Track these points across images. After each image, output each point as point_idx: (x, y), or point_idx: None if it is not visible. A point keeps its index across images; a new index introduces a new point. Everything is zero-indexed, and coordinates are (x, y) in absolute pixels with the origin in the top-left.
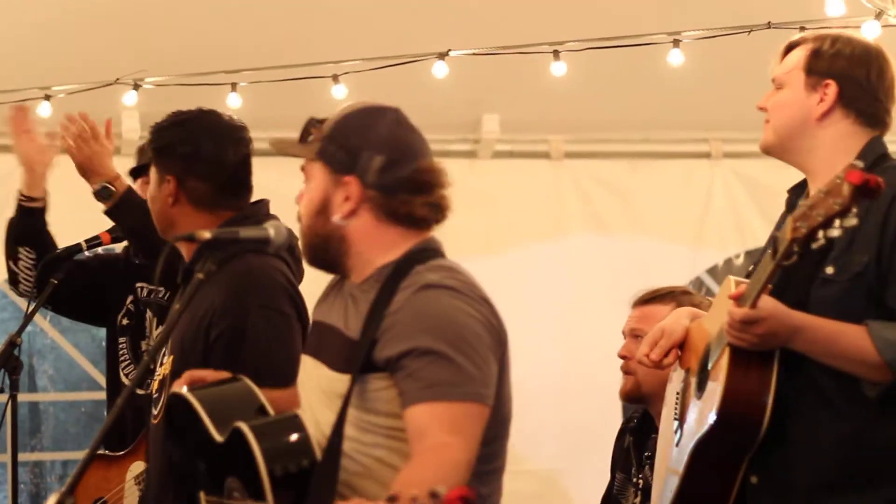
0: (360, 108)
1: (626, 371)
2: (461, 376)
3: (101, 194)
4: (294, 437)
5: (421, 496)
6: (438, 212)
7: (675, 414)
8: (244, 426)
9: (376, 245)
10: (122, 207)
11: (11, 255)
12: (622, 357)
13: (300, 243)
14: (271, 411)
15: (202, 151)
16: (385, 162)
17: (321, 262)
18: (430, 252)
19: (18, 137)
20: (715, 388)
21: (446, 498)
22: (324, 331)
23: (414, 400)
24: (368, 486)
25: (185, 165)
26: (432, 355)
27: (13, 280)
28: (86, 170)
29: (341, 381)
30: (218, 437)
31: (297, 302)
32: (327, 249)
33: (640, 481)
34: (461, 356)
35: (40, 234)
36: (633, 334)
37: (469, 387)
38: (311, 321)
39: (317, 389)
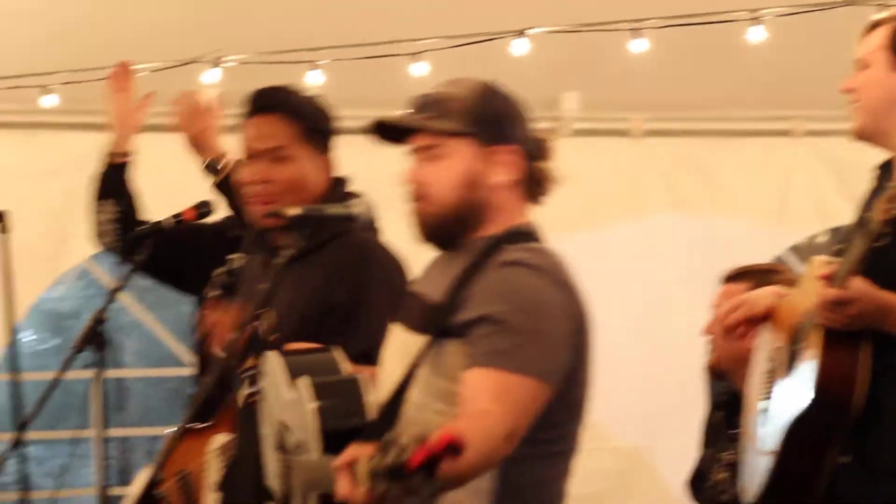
0: (481, 82)
1: (712, 346)
2: (523, 349)
3: (210, 168)
4: (348, 396)
5: (410, 441)
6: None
7: (764, 393)
8: (303, 382)
9: (510, 213)
10: (232, 182)
11: (97, 208)
12: (706, 332)
13: (424, 215)
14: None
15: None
16: (529, 130)
17: (450, 235)
18: (530, 234)
19: (116, 94)
20: (808, 368)
21: (433, 443)
22: (411, 298)
23: (472, 364)
24: None
25: (332, 152)
26: (501, 325)
27: (98, 233)
28: (196, 144)
29: (415, 341)
30: (287, 395)
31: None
32: (474, 219)
33: (729, 457)
34: (529, 331)
35: (125, 188)
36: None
37: (529, 361)
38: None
39: (396, 352)
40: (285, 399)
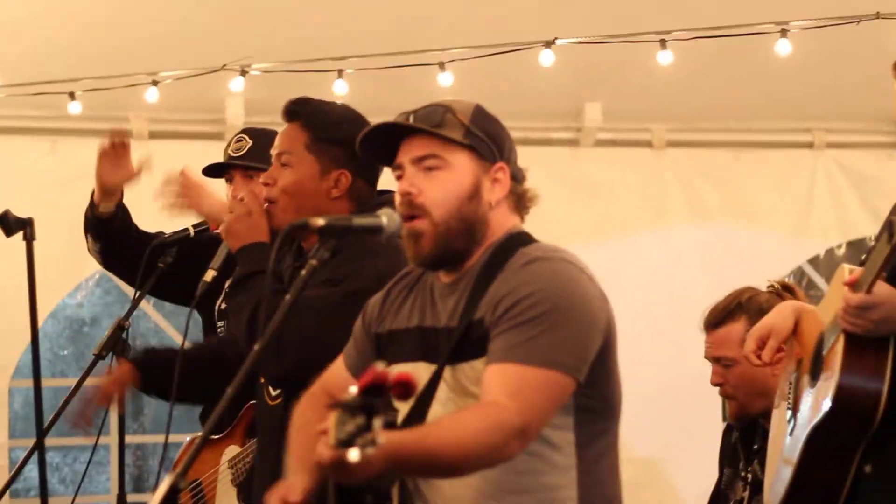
0: (472, 102)
1: (725, 396)
2: (545, 340)
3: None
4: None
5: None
6: (531, 205)
7: (789, 403)
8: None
9: (497, 233)
10: None
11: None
12: (715, 384)
13: (428, 231)
14: None
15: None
16: (515, 153)
17: (450, 253)
18: (528, 236)
19: (105, 161)
20: (830, 375)
21: (391, 378)
22: (397, 335)
23: (492, 360)
24: None
25: (358, 163)
26: (528, 313)
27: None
28: (210, 215)
29: (412, 368)
30: None
31: None
32: (471, 235)
33: (749, 475)
34: (558, 321)
35: (104, 233)
36: (718, 362)
37: (551, 352)
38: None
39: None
40: None
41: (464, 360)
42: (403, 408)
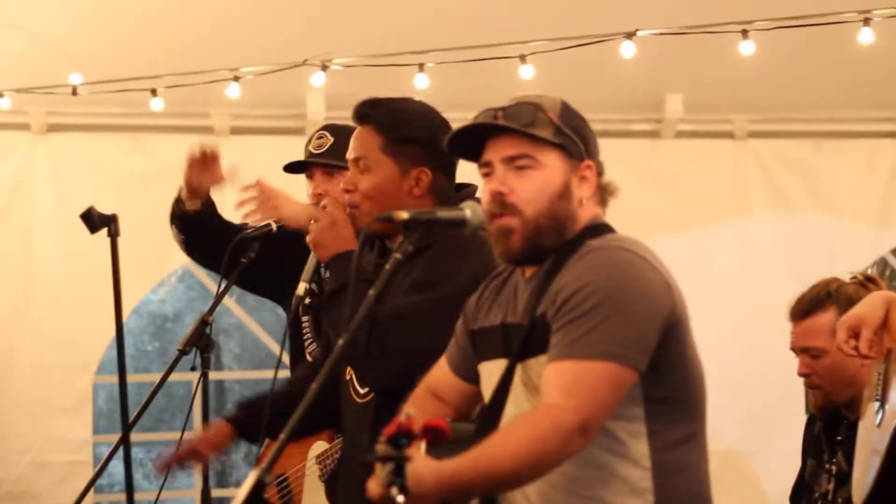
0: (558, 98)
1: (812, 386)
2: (599, 332)
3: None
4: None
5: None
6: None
7: (877, 394)
8: None
9: (582, 225)
10: None
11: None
12: (802, 375)
13: (518, 228)
14: None
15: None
16: (598, 147)
17: (540, 250)
18: (602, 227)
19: (193, 164)
20: None
21: (422, 425)
22: (486, 333)
23: (551, 359)
24: None
25: (438, 159)
26: (582, 307)
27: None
28: (292, 222)
29: (499, 367)
30: None
31: None
32: (560, 233)
33: (833, 467)
34: (612, 312)
35: (187, 227)
36: (806, 352)
37: (604, 344)
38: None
39: (489, 387)
40: None
41: (531, 356)
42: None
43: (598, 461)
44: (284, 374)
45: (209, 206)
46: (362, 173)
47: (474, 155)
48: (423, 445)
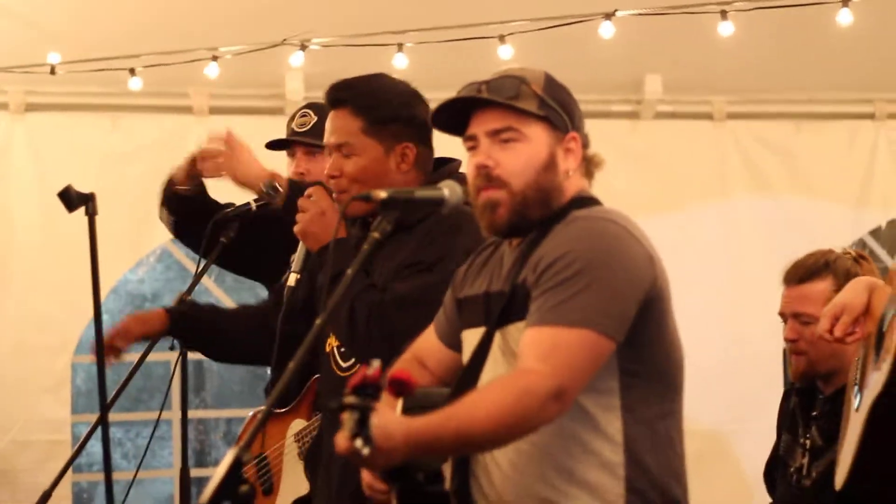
0: (541, 70)
1: (797, 352)
2: (579, 300)
3: (269, 195)
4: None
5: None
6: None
7: (856, 380)
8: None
9: (568, 197)
10: (294, 199)
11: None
12: (789, 340)
13: (505, 201)
14: None
15: (426, 118)
16: (583, 119)
17: (526, 222)
18: (588, 200)
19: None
20: (889, 346)
21: (387, 376)
22: (469, 301)
23: (528, 324)
24: None
25: (421, 133)
26: (562, 274)
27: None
28: (243, 181)
29: (476, 333)
30: None
31: None
32: (546, 204)
33: (807, 441)
34: (592, 280)
35: (178, 207)
36: (797, 318)
37: (587, 313)
38: (455, 301)
39: (468, 353)
40: None
41: (510, 322)
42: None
43: (569, 433)
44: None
45: (201, 187)
46: (346, 157)
47: (459, 129)
48: (398, 408)
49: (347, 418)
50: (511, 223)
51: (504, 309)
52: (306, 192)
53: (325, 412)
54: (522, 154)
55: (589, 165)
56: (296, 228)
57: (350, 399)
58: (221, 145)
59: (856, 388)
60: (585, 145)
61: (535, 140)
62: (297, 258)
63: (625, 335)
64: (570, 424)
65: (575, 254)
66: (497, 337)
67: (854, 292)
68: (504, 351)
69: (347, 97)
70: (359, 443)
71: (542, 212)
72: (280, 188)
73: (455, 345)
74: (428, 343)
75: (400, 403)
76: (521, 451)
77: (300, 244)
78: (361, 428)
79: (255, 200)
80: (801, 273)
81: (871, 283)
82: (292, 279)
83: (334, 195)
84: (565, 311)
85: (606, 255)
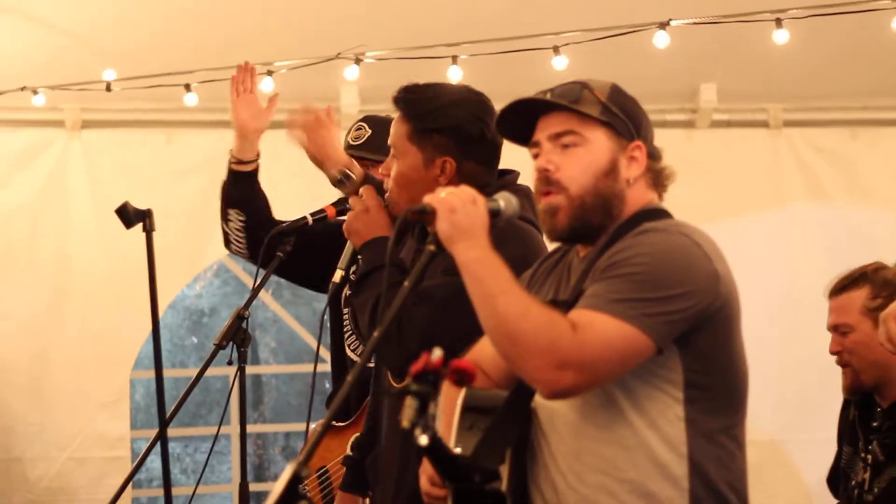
0: (610, 81)
1: (842, 364)
2: (633, 298)
3: (340, 182)
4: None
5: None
6: (670, 182)
7: None
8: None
9: (635, 208)
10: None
11: (223, 217)
12: (833, 353)
13: (564, 206)
14: None
15: (480, 133)
16: (652, 132)
17: (587, 228)
18: (660, 212)
19: (238, 98)
20: None
21: (450, 363)
22: None
23: (577, 306)
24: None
25: (465, 148)
26: (621, 270)
27: (226, 241)
28: (319, 158)
29: None
30: None
31: None
32: (607, 211)
33: (869, 456)
34: (649, 283)
35: (250, 196)
36: (836, 329)
37: (635, 310)
38: None
39: None
40: None
41: None
42: None
43: (634, 444)
44: (324, 368)
45: (257, 161)
46: (394, 159)
47: (527, 139)
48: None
49: (408, 405)
50: (571, 228)
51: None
52: (359, 191)
53: (386, 426)
54: (583, 159)
55: (659, 177)
56: (343, 225)
57: (412, 386)
58: (311, 117)
59: None
60: (655, 157)
61: (596, 145)
62: (343, 255)
63: (669, 341)
64: (635, 435)
65: (637, 257)
66: None
67: None
68: None
69: (404, 101)
70: (417, 431)
71: (602, 218)
72: (353, 176)
73: None
74: (487, 349)
75: (462, 397)
76: (585, 462)
77: (348, 242)
78: (420, 416)
79: (312, 214)
80: (839, 285)
81: None
82: (337, 276)
83: (386, 196)
84: (614, 303)
85: (668, 262)
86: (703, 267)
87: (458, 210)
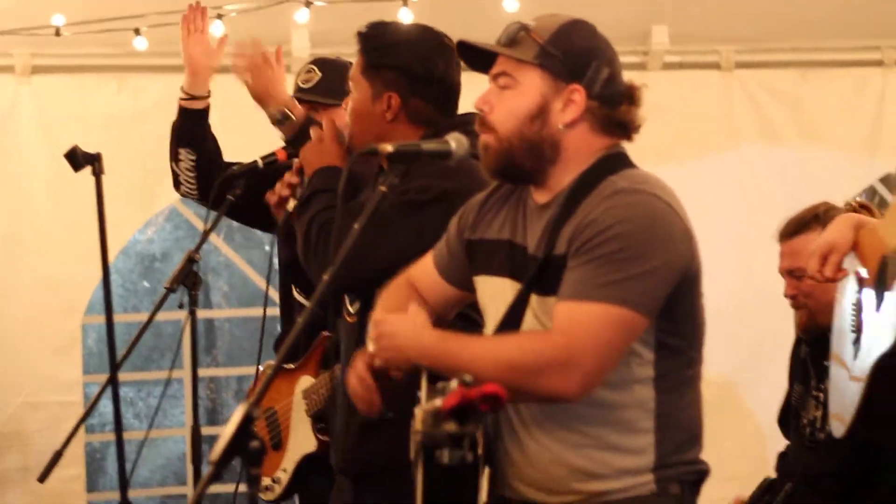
0: (573, 20)
1: (797, 306)
2: (619, 278)
3: (279, 122)
4: None
5: (454, 383)
6: (636, 127)
7: (852, 325)
8: None
9: (584, 154)
10: (304, 133)
11: (173, 157)
12: (788, 296)
13: (492, 146)
14: None
15: (427, 72)
16: (610, 74)
17: (516, 170)
18: (621, 160)
19: (189, 36)
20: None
21: (477, 390)
22: (487, 245)
23: (560, 297)
24: None
25: (412, 85)
26: (602, 249)
27: (175, 182)
28: (261, 97)
29: (500, 284)
30: None
31: None
32: (537, 156)
33: (821, 395)
34: (632, 259)
35: (201, 135)
36: (791, 273)
37: (622, 291)
38: (465, 240)
39: (497, 300)
40: None
41: (548, 294)
42: (490, 328)
43: (603, 401)
44: (273, 311)
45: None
46: (352, 92)
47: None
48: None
49: (426, 419)
50: (498, 168)
51: (539, 276)
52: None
53: (342, 356)
54: (511, 101)
55: (611, 120)
56: (299, 156)
57: (453, 428)
58: (257, 57)
59: (852, 333)
60: (611, 100)
61: (527, 87)
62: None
63: (657, 311)
64: (605, 394)
65: (616, 230)
66: (534, 301)
67: (840, 230)
68: (540, 320)
69: (364, 36)
70: (444, 454)
71: (534, 163)
72: (293, 117)
73: (457, 282)
74: (425, 274)
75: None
76: (554, 419)
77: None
78: (452, 445)
79: (263, 158)
80: (792, 228)
81: (858, 221)
82: (291, 204)
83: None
84: (600, 288)
85: (650, 234)
86: (679, 229)
87: (385, 337)
